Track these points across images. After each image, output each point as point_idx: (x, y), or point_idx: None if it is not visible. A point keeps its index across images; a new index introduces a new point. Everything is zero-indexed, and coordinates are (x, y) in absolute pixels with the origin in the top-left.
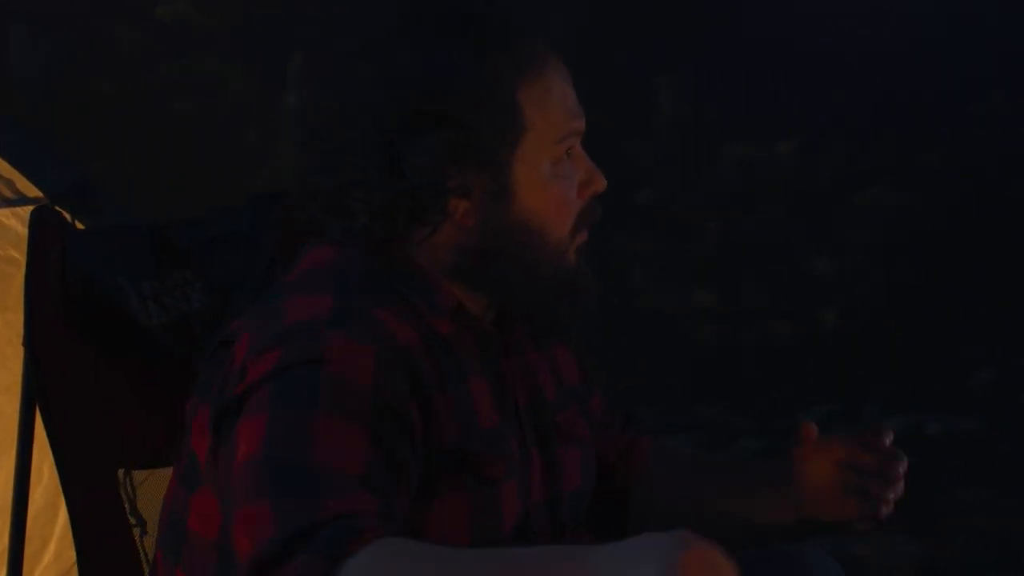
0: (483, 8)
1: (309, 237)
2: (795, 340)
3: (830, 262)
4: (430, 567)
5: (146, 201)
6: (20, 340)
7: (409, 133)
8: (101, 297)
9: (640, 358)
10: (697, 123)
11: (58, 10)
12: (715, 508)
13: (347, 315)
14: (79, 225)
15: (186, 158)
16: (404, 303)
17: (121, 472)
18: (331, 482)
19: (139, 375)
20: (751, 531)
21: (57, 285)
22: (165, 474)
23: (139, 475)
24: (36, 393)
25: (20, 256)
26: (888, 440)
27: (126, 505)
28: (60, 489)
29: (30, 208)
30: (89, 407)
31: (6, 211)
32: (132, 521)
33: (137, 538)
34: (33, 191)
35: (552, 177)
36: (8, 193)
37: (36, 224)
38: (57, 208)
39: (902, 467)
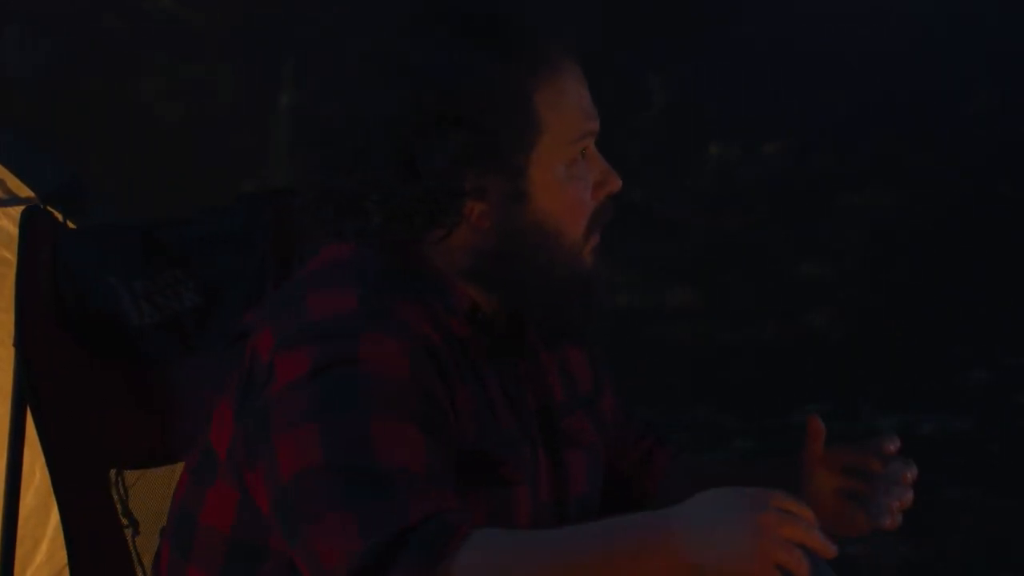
0: (497, 9)
1: (303, 237)
2: (788, 340)
3: (824, 262)
4: (533, 553)
5: (140, 201)
6: (11, 341)
7: (424, 135)
8: (92, 297)
9: (634, 359)
10: (690, 122)
11: (53, 10)
12: None
13: (375, 312)
14: (71, 225)
15: (180, 158)
16: (421, 303)
17: (113, 473)
18: (405, 484)
19: (130, 375)
20: None
21: (48, 285)
22: (157, 474)
23: (131, 476)
24: (27, 394)
25: (12, 256)
26: (895, 447)
27: (118, 506)
28: (52, 490)
29: (21, 208)
30: (80, 408)
31: None
32: (124, 522)
33: (129, 538)
34: (24, 191)
35: (567, 178)
36: None
37: (27, 224)
38: (48, 208)
39: (911, 474)
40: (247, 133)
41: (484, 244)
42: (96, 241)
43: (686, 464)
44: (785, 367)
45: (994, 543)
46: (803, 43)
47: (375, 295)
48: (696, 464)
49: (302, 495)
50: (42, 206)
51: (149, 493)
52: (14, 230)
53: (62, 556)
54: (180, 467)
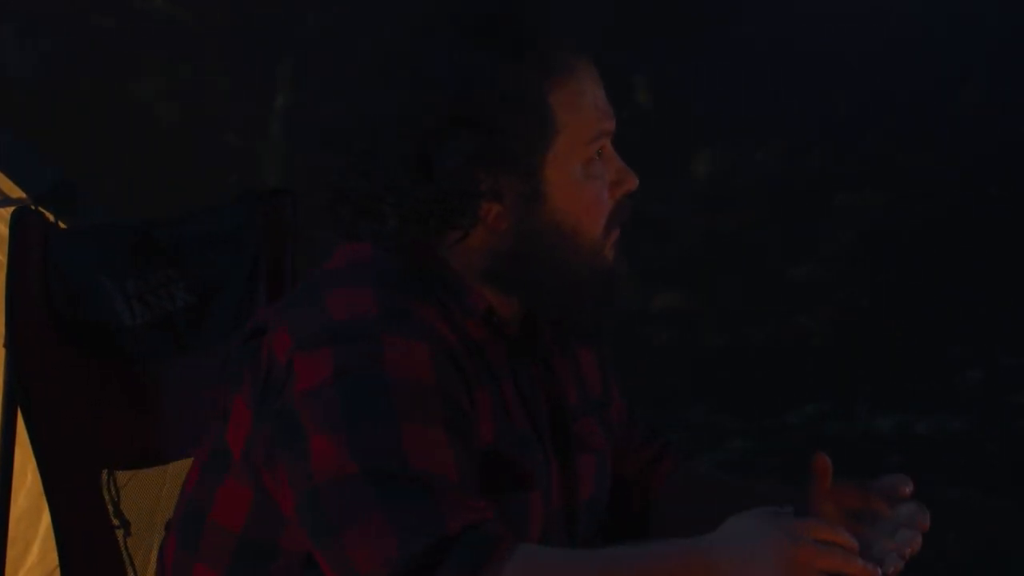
0: (512, 10)
1: (296, 237)
2: (785, 340)
3: (821, 262)
4: (577, 572)
5: (137, 200)
6: (2, 341)
7: (439, 137)
8: (84, 297)
9: (630, 359)
10: (686, 122)
11: (50, 10)
12: None
13: (394, 314)
14: (62, 225)
15: (177, 158)
16: (438, 304)
17: (104, 473)
18: (440, 490)
19: (122, 375)
20: None
21: (39, 286)
22: (149, 475)
23: (122, 476)
24: (18, 394)
25: (3, 257)
26: (909, 491)
27: (109, 507)
28: (43, 491)
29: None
30: (72, 408)
31: None
32: (116, 522)
33: (121, 539)
34: (16, 192)
35: (584, 178)
36: None
37: (17, 225)
38: (40, 209)
39: (925, 521)
40: (244, 133)
41: (501, 245)
42: (88, 241)
43: (690, 472)
44: (782, 367)
45: (991, 543)
46: (801, 43)
47: (393, 296)
48: (700, 473)
49: (335, 501)
50: (33, 207)
51: (141, 494)
52: (5, 231)
53: (54, 557)
54: (172, 468)
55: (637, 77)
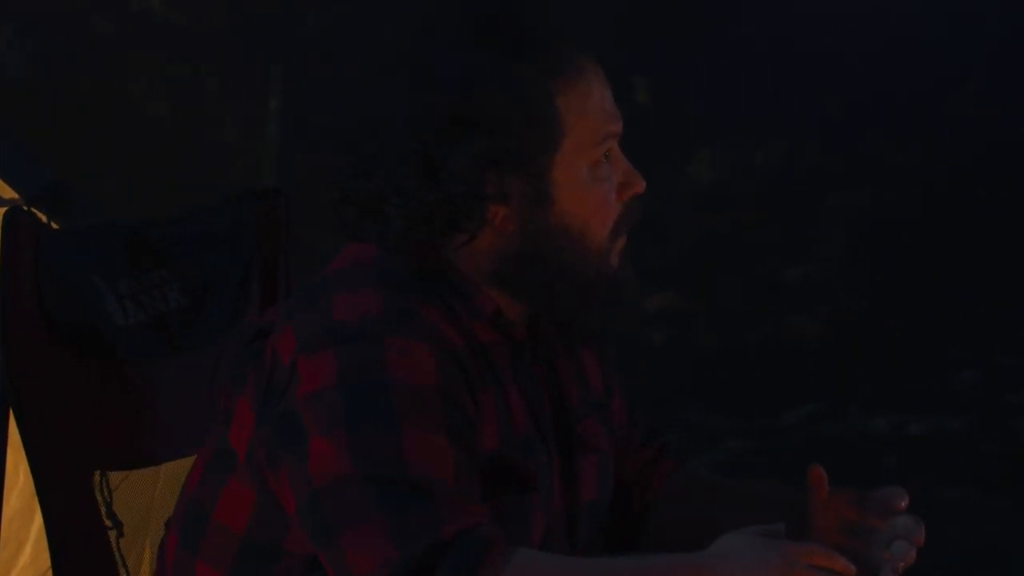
0: (518, 11)
1: (289, 237)
2: (781, 341)
3: (817, 263)
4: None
5: (132, 200)
6: None
7: (446, 139)
8: (77, 297)
9: (626, 360)
10: (682, 122)
11: (46, 10)
12: None
13: (400, 315)
14: (54, 226)
15: (172, 157)
16: (444, 306)
17: (97, 474)
18: (437, 495)
19: (115, 376)
20: None
21: (31, 286)
22: (142, 476)
23: (115, 477)
24: (10, 395)
25: None
26: (905, 504)
27: (102, 508)
28: (35, 492)
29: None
30: (64, 409)
31: None
32: (108, 523)
33: (113, 541)
34: (8, 192)
35: (591, 180)
36: None
37: (8, 226)
38: (32, 209)
39: (919, 535)
40: (241, 133)
41: (508, 248)
42: (80, 242)
43: (689, 473)
44: (779, 368)
45: (988, 543)
46: (800, 44)
47: (399, 297)
48: (699, 474)
49: (335, 503)
50: (25, 207)
51: (134, 495)
52: None
53: (46, 558)
54: (165, 468)
55: (636, 77)
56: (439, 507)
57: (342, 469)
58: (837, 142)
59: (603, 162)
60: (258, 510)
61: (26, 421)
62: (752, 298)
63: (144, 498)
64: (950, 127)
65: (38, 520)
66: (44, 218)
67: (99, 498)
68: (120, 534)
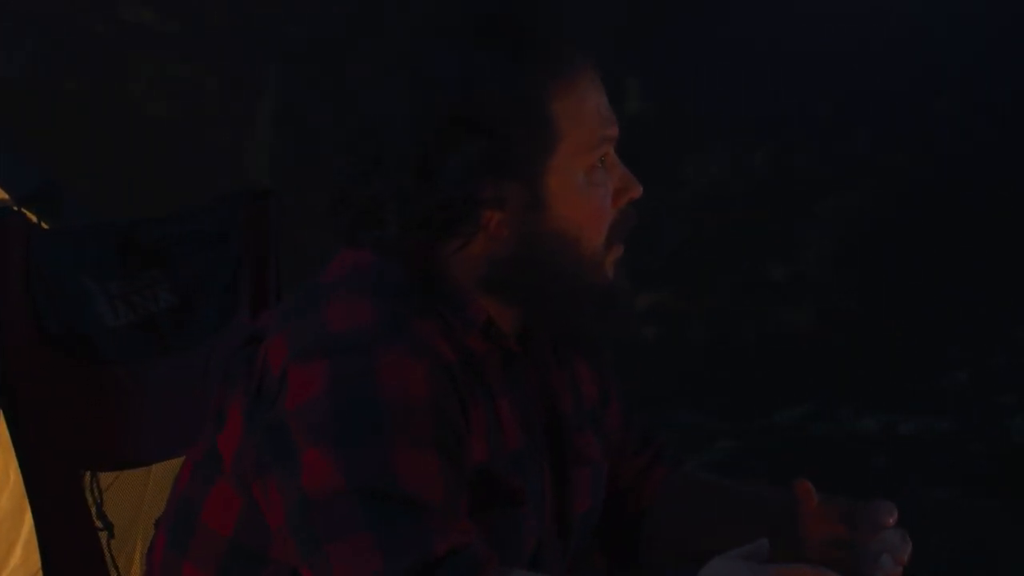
0: (514, 15)
1: (279, 237)
2: (770, 341)
3: (805, 263)
4: None
5: (126, 201)
6: None
7: (442, 143)
8: (67, 298)
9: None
10: (670, 123)
11: (41, 10)
12: (722, 545)
13: (392, 327)
14: (44, 226)
15: (166, 159)
16: (437, 317)
17: (87, 475)
18: (427, 511)
19: (105, 377)
20: None
21: (21, 287)
22: (132, 477)
23: (105, 478)
24: (1, 396)
25: None
26: (893, 520)
27: (92, 508)
28: (25, 493)
29: None
30: (54, 410)
31: None
32: (99, 524)
33: (104, 541)
34: None
35: (587, 185)
36: None
37: None
38: (22, 210)
39: (905, 551)
40: (235, 134)
41: (502, 253)
42: (70, 242)
43: (684, 477)
44: (769, 368)
45: (977, 543)
46: (791, 44)
47: (392, 308)
48: (694, 477)
49: (324, 515)
50: (15, 208)
51: (124, 495)
52: None
53: (36, 559)
54: (155, 469)
55: (628, 79)
56: (429, 523)
57: (332, 482)
58: (826, 143)
59: (599, 167)
60: (245, 515)
61: (17, 422)
62: (741, 299)
63: (134, 499)
64: (949, 127)
65: (28, 521)
66: (34, 218)
67: (90, 499)
68: (111, 535)
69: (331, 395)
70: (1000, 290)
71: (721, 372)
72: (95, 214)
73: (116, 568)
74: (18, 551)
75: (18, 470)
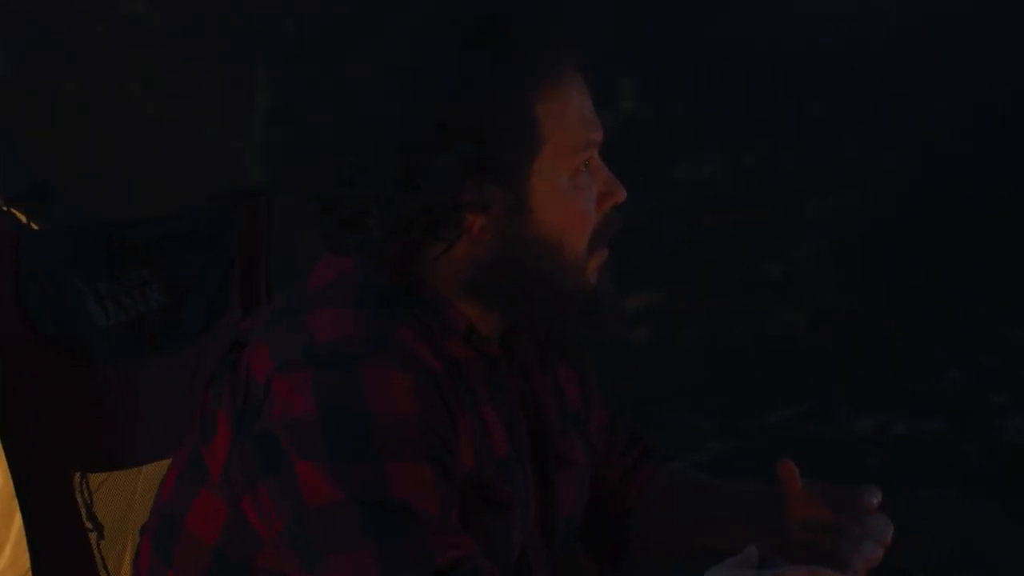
0: (498, 18)
1: (271, 238)
2: (762, 341)
3: (798, 263)
4: None
5: (121, 201)
6: None
7: (425, 147)
8: (56, 298)
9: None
10: (662, 123)
11: (33, 9)
12: (709, 543)
13: (377, 339)
14: (34, 227)
15: (162, 159)
16: (420, 325)
17: (77, 476)
18: (425, 523)
19: (95, 377)
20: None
21: (11, 287)
22: (122, 478)
23: (95, 479)
24: None
25: None
26: (877, 502)
27: (82, 510)
28: (15, 494)
29: None
30: (44, 410)
31: None
32: (88, 525)
33: (94, 542)
34: None
35: (571, 189)
36: None
37: None
38: (12, 210)
39: (888, 535)
40: (234, 134)
41: (485, 257)
42: (60, 243)
43: (671, 475)
44: (761, 368)
45: (969, 543)
46: (783, 45)
47: (376, 319)
48: (681, 475)
49: (323, 526)
50: (5, 208)
51: (114, 496)
52: None
53: (26, 560)
54: (145, 470)
55: (625, 80)
56: (426, 535)
57: (330, 493)
58: (832, 142)
59: (583, 171)
60: (230, 525)
61: (6, 422)
62: (732, 298)
63: (124, 500)
64: (949, 127)
65: (18, 521)
66: (24, 219)
67: (79, 499)
68: (100, 536)
69: (319, 408)
70: (996, 290)
71: (716, 372)
72: (94, 214)
73: (106, 569)
74: (7, 552)
75: (7, 471)
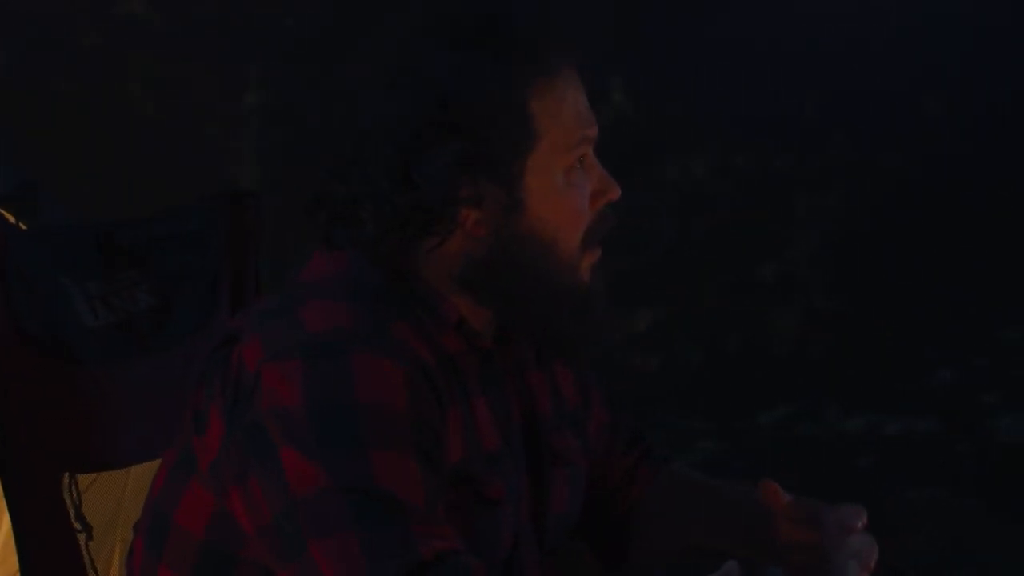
0: (493, 15)
1: (261, 238)
2: (754, 341)
3: (790, 263)
4: None
5: (116, 201)
6: None
7: (420, 142)
8: (45, 299)
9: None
10: (655, 124)
11: (27, 9)
12: (710, 543)
13: (368, 330)
14: (23, 226)
15: (157, 158)
16: (413, 318)
17: (66, 477)
18: (410, 516)
19: (83, 378)
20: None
21: None
22: (111, 478)
23: (84, 480)
24: None
25: None
26: (863, 524)
27: (71, 510)
28: (3, 494)
29: None
30: (32, 410)
31: None
32: (77, 526)
33: (82, 543)
34: None
35: (565, 186)
36: None
37: None
38: (0, 210)
39: (872, 557)
40: (233, 134)
41: (478, 252)
42: (49, 242)
43: (671, 475)
44: (753, 369)
45: (960, 543)
46: (777, 44)
47: (369, 310)
48: (681, 475)
49: (309, 513)
50: None
51: (102, 497)
52: None
53: (14, 561)
54: (134, 471)
55: (620, 79)
56: (411, 526)
57: (316, 480)
58: (829, 142)
59: (577, 168)
60: (216, 516)
61: None
62: (725, 300)
63: (113, 500)
64: (948, 127)
65: (6, 522)
66: (12, 218)
67: (68, 500)
68: (89, 536)
69: (307, 396)
70: (987, 290)
71: (708, 372)
72: (93, 214)
73: (95, 569)
74: None
75: None
